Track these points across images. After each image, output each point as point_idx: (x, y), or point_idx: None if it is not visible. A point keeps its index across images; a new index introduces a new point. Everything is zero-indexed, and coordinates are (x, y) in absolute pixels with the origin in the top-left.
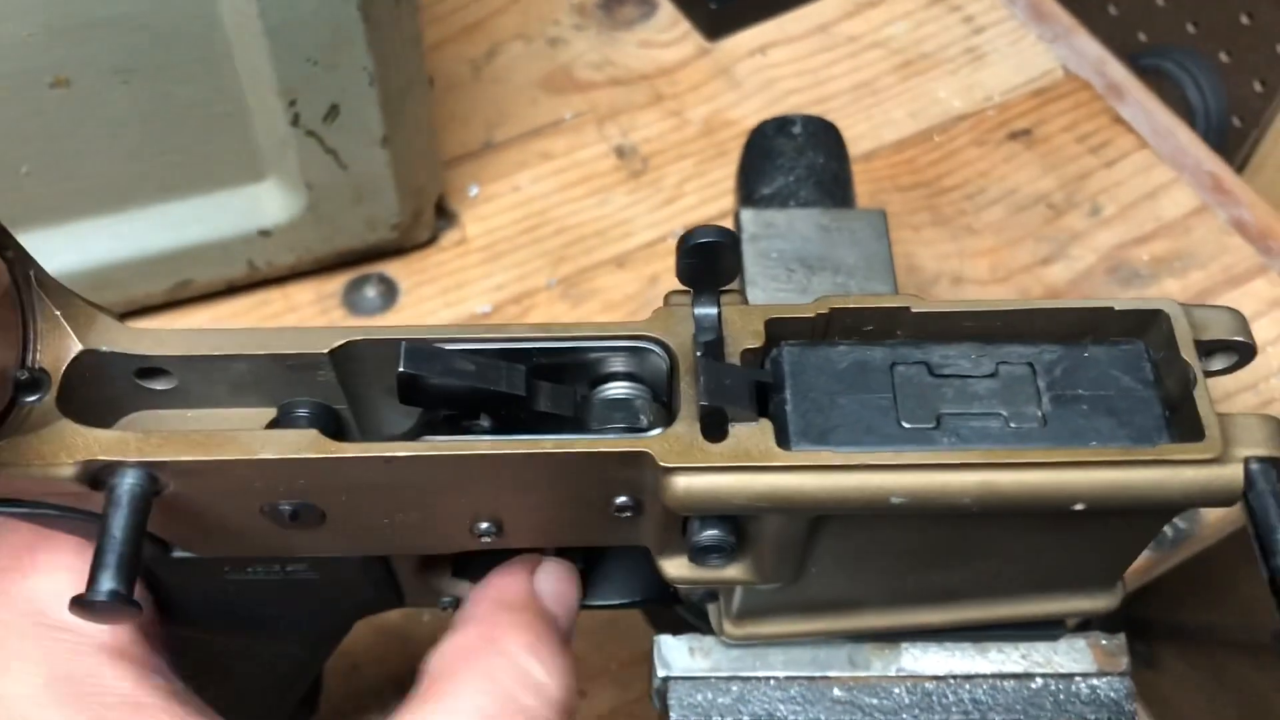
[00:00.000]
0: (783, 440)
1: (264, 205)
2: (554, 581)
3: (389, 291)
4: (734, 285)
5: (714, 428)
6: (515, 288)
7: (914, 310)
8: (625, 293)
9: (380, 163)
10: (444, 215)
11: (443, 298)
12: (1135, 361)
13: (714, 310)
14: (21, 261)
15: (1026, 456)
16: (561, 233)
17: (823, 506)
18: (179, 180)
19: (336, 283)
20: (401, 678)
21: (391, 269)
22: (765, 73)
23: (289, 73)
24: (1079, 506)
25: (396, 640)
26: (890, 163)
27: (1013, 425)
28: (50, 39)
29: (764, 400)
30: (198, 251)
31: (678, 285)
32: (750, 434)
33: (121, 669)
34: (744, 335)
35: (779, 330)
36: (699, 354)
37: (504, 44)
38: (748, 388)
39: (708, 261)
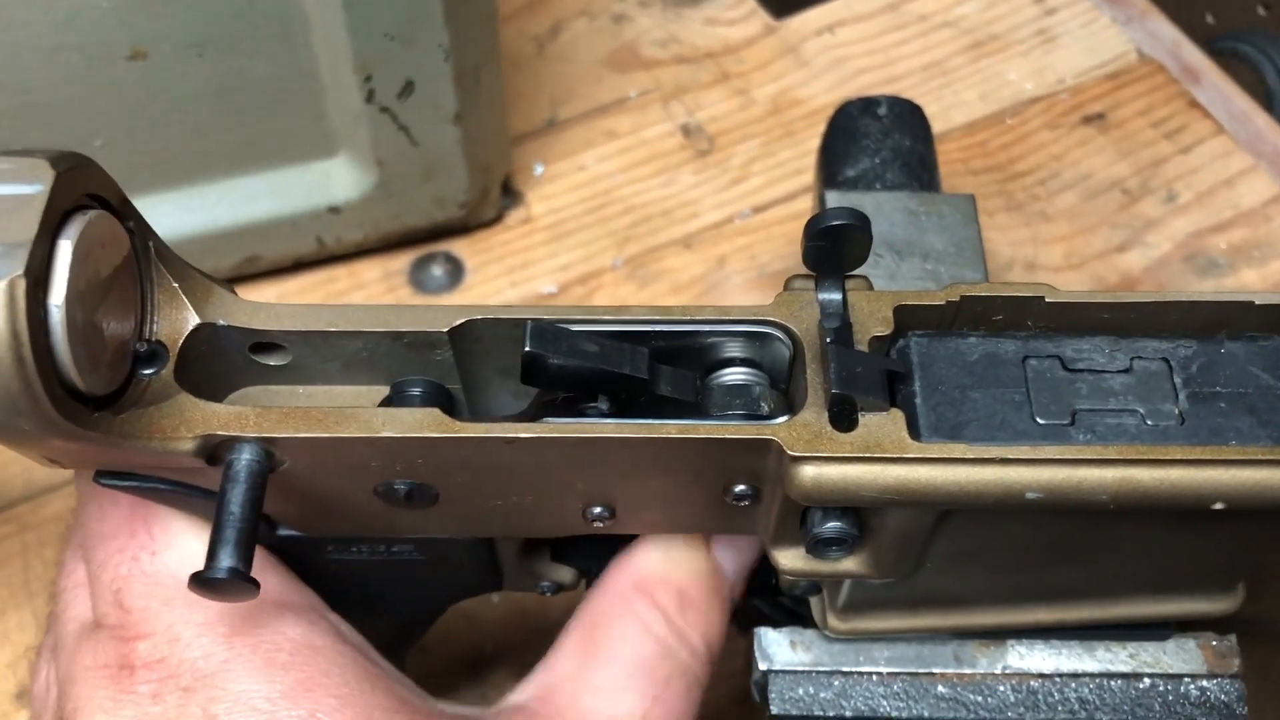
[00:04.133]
0: (913, 433)
1: (334, 181)
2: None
3: (455, 270)
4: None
5: (842, 417)
6: (581, 268)
7: (1048, 300)
8: (692, 274)
9: (451, 140)
10: (509, 194)
11: (508, 277)
12: (1275, 358)
13: (839, 296)
14: (141, 232)
15: (1167, 453)
16: (627, 212)
17: (955, 501)
18: (250, 155)
19: (402, 260)
20: (470, 660)
21: (457, 247)
22: (833, 51)
23: (366, 48)
24: (1219, 506)
25: (465, 622)
26: (961, 145)
27: (1149, 423)
28: (129, 10)
29: (891, 391)
30: (267, 227)
31: (745, 269)
32: (881, 424)
33: (289, 616)
34: (872, 322)
35: (907, 318)
36: (829, 340)
37: (568, 20)
38: (880, 376)
39: (836, 245)
